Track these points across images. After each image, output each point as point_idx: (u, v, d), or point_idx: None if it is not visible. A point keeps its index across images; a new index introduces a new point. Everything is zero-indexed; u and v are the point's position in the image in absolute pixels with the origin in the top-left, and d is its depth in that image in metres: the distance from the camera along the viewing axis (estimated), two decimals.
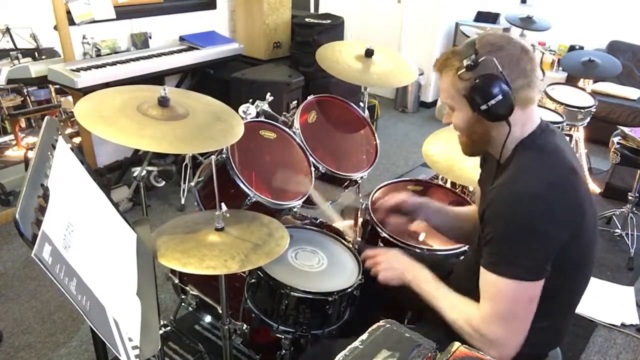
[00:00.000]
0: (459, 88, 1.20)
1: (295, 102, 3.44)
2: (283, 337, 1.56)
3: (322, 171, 2.00)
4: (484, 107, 1.16)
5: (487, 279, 1.17)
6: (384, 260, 1.44)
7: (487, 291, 1.18)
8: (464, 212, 1.66)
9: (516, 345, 1.17)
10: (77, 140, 3.25)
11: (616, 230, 3.09)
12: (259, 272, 1.54)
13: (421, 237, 1.85)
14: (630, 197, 3.05)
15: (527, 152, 1.22)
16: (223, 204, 1.42)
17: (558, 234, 1.12)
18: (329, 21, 3.76)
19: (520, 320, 1.16)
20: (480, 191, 1.47)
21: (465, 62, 1.17)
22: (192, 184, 1.90)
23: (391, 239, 1.79)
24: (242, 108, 1.96)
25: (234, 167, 1.75)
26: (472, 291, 1.31)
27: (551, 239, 1.12)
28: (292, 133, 2.03)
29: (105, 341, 0.88)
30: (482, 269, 1.19)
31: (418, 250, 1.77)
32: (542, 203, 1.12)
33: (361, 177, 2.16)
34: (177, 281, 1.99)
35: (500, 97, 1.15)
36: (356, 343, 0.83)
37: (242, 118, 1.85)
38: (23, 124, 3.34)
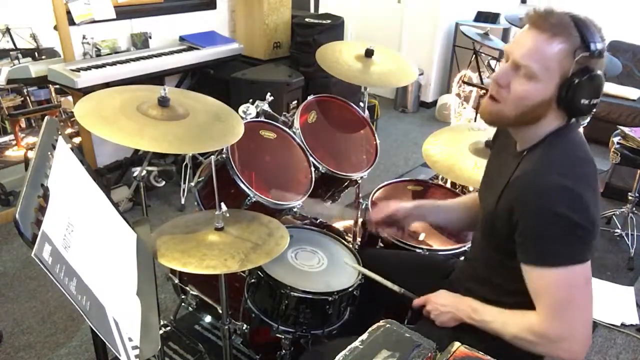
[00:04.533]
0: (565, 66, 1.08)
1: (295, 102, 3.44)
2: (283, 337, 1.56)
3: (322, 171, 2.00)
4: (581, 101, 1.09)
5: (536, 275, 1.12)
6: (433, 307, 1.37)
7: (539, 288, 1.13)
8: (462, 201, 1.64)
9: (584, 337, 1.11)
10: (77, 140, 3.25)
11: (616, 230, 3.09)
12: (259, 272, 1.54)
13: (421, 237, 1.85)
14: (630, 197, 3.05)
15: (557, 144, 1.17)
16: (223, 204, 1.42)
17: (589, 225, 1.09)
18: (329, 21, 3.76)
19: (580, 307, 1.11)
20: (485, 171, 1.42)
21: (593, 47, 1.07)
22: (192, 184, 1.90)
23: (391, 240, 1.80)
24: (242, 108, 1.96)
25: (234, 167, 1.75)
26: (473, 291, 1.31)
27: (584, 226, 1.09)
28: (292, 133, 2.03)
29: (105, 341, 0.88)
30: (526, 267, 1.14)
31: (418, 250, 1.77)
32: (574, 195, 1.08)
33: (361, 177, 2.15)
34: (177, 281, 1.99)
35: (598, 99, 1.11)
36: (356, 343, 0.83)
37: (242, 118, 1.85)
38: (23, 124, 3.35)
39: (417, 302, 1.42)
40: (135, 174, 1.72)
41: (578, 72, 1.08)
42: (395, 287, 1.49)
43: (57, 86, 3.05)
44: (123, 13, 3.24)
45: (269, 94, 2.10)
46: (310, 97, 2.22)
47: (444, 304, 1.35)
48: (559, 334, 1.11)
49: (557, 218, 1.08)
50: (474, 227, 1.60)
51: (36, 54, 3.09)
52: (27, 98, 3.24)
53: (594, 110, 1.12)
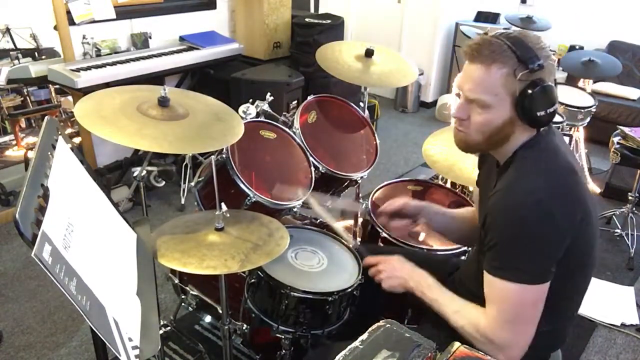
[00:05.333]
0: (510, 87, 1.13)
1: (295, 102, 3.44)
2: (283, 337, 1.56)
3: (322, 171, 2.00)
4: (538, 114, 1.12)
5: (492, 284, 1.17)
6: (386, 268, 1.42)
7: (492, 295, 1.18)
8: (463, 214, 1.65)
9: (523, 348, 1.16)
10: (77, 140, 3.25)
11: (616, 230, 3.09)
12: (259, 272, 1.54)
13: (421, 237, 1.85)
14: (630, 197, 3.05)
15: (527, 154, 1.20)
16: (223, 204, 1.42)
17: (560, 238, 1.12)
18: (329, 21, 3.76)
19: (526, 323, 1.16)
20: (479, 192, 1.46)
21: (530, 65, 1.11)
22: (192, 184, 1.90)
23: (391, 239, 1.80)
24: (242, 108, 1.96)
25: (234, 167, 1.75)
26: (475, 293, 1.31)
27: (553, 243, 1.12)
28: (292, 133, 2.03)
29: (105, 341, 0.88)
30: (486, 274, 1.18)
31: (418, 250, 1.77)
32: (543, 208, 1.11)
33: (361, 177, 2.16)
34: (177, 281, 1.99)
35: (556, 106, 1.14)
36: (356, 343, 0.83)
37: (242, 118, 1.85)
38: (23, 124, 3.34)
39: (370, 259, 1.45)
40: (135, 174, 1.72)
41: (525, 88, 1.12)
42: (350, 240, 1.51)
43: (57, 86, 3.05)
44: (123, 13, 3.24)
45: (269, 94, 2.10)
46: (310, 97, 2.22)
47: (398, 268, 1.39)
48: (503, 342, 1.16)
49: (522, 234, 1.12)
50: (469, 243, 1.63)
51: (36, 54, 3.09)
52: (27, 98, 3.24)
53: (554, 117, 1.16)
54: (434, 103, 5.18)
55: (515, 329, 1.16)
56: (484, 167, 1.45)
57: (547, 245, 1.12)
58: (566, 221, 1.12)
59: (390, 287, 1.39)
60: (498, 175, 1.25)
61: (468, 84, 1.17)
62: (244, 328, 1.72)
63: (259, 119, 2.00)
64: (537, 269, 1.13)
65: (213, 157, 1.74)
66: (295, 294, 1.49)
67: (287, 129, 2.03)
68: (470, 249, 1.75)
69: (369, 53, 2.28)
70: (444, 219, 1.63)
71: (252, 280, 1.59)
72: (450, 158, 2.11)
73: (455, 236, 1.68)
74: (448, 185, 2.36)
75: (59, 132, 1.12)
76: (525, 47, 1.12)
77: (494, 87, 1.13)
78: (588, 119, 3.23)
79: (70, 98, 3.21)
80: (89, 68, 2.82)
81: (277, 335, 1.56)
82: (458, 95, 1.22)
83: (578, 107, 3.17)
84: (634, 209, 3.08)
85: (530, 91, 1.12)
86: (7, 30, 3.01)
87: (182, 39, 3.54)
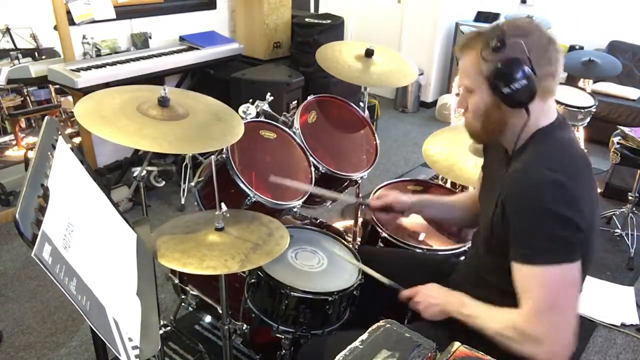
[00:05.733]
0: (481, 69, 1.16)
1: (295, 102, 3.44)
2: (283, 337, 1.56)
3: (322, 171, 2.00)
4: (506, 90, 1.13)
5: (523, 273, 1.13)
6: (423, 299, 1.37)
7: (524, 286, 1.13)
8: (462, 199, 1.64)
9: (565, 341, 1.11)
10: (77, 140, 3.25)
11: (616, 230, 3.08)
12: (259, 272, 1.54)
13: (421, 237, 1.85)
14: (630, 197, 3.05)
15: (545, 141, 1.19)
16: (223, 204, 1.42)
17: (580, 220, 1.09)
18: (329, 21, 3.76)
19: (564, 311, 1.11)
20: (483, 176, 1.44)
21: (492, 43, 1.13)
22: (192, 184, 1.90)
23: (391, 239, 1.80)
24: (242, 108, 1.96)
25: (234, 167, 1.75)
26: (473, 293, 1.31)
27: (576, 224, 1.09)
28: (292, 133, 2.03)
29: (105, 341, 0.88)
30: (516, 266, 1.14)
31: (418, 250, 1.77)
32: (564, 190, 1.09)
33: (361, 177, 2.16)
34: (177, 281, 1.99)
35: (524, 82, 1.12)
36: (356, 343, 0.83)
37: (242, 118, 1.85)
38: (23, 124, 3.34)
39: (405, 293, 1.41)
40: (135, 174, 1.72)
41: (493, 68, 1.15)
42: (385, 279, 1.48)
43: (57, 86, 3.05)
44: (123, 13, 3.24)
45: (269, 94, 2.10)
46: (310, 97, 2.22)
47: (434, 296, 1.35)
48: (541, 335, 1.11)
49: (546, 214, 1.09)
50: (473, 225, 1.60)
51: (36, 54, 3.09)
52: (27, 98, 3.24)
53: (532, 93, 1.14)
54: (434, 103, 5.18)
55: (553, 319, 1.10)
56: (489, 153, 1.43)
57: (570, 223, 1.09)
58: (583, 207, 1.10)
59: (431, 316, 1.34)
60: (510, 160, 1.23)
61: (459, 75, 1.26)
62: (244, 328, 1.72)
63: (259, 119, 2.00)
64: (565, 247, 1.09)
65: (213, 157, 1.74)
66: (295, 294, 1.49)
67: (287, 129, 2.03)
68: (469, 249, 1.75)
69: (369, 53, 2.28)
70: (442, 209, 1.63)
71: (252, 280, 1.59)
72: (450, 158, 2.11)
73: (456, 221, 1.70)
74: (448, 185, 2.36)
75: (59, 132, 1.12)
76: (494, 30, 1.15)
77: (469, 71, 1.20)
78: (588, 119, 3.23)
79: (70, 98, 3.21)
80: (89, 68, 2.82)
81: (277, 335, 1.56)
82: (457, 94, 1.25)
83: (578, 107, 3.16)
84: (634, 209, 3.08)
85: (496, 69, 1.14)
86: (7, 30, 3.01)
87: (182, 39, 3.54)
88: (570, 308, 1.12)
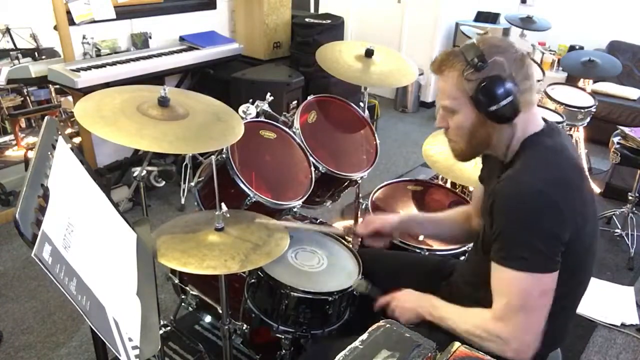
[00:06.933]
0: (464, 89, 1.18)
1: (295, 102, 3.44)
2: (283, 337, 1.56)
3: (322, 171, 2.00)
4: (493, 108, 1.16)
5: (498, 274, 1.17)
6: (397, 304, 1.40)
7: (498, 285, 1.18)
8: (451, 215, 1.64)
9: (530, 343, 1.15)
10: (77, 140, 3.25)
11: (616, 230, 3.08)
12: (259, 272, 1.54)
13: (421, 237, 1.85)
14: (630, 197, 3.05)
15: (534, 149, 1.21)
16: (223, 204, 1.42)
17: (562, 231, 1.12)
18: (329, 21, 3.76)
19: (532, 314, 1.15)
20: (483, 187, 1.46)
21: (473, 63, 1.15)
22: (192, 184, 1.90)
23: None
24: (242, 108, 1.96)
25: (234, 167, 1.75)
26: (474, 298, 1.31)
27: (556, 235, 1.12)
28: (292, 133, 2.03)
29: (105, 341, 0.88)
30: (492, 264, 1.18)
31: (418, 251, 1.77)
32: (546, 199, 1.12)
33: (361, 177, 2.16)
34: (177, 281, 1.99)
35: (510, 98, 1.15)
36: (356, 343, 0.83)
37: (242, 118, 1.85)
38: (23, 124, 3.35)
39: (381, 301, 1.45)
40: (135, 174, 1.72)
41: (476, 87, 1.17)
42: (362, 284, 1.52)
43: (57, 86, 3.05)
44: (123, 13, 3.24)
45: (269, 94, 2.10)
46: (310, 97, 2.22)
47: (407, 300, 1.39)
48: (508, 334, 1.14)
49: (527, 224, 1.13)
50: (464, 241, 1.65)
51: (36, 54, 3.09)
52: (27, 98, 3.24)
53: (517, 108, 1.17)
54: (434, 103, 5.18)
55: (521, 321, 1.14)
56: (487, 163, 1.45)
57: (548, 236, 1.12)
58: (566, 216, 1.13)
59: (406, 321, 1.36)
60: (503, 170, 1.26)
61: (438, 95, 1.27)
62: (244, 328, 1.72)
63: (259, 119, 2.00)
64: (541, 258, 1.12)
65: (213, 157, 1.74)
66: (295, 294, 1.49)
67: (287, 129, 2.03)
68: (469, 248, 1.75)
69: (369, 53, 2.28)
70: (430, 226, 1.65)
71: (252, 280, 1.59)
72: (450, 158, 2.09)
73: (447, 237, 1.70)
74: (448, 185, 2.36)
75: (59, 132, 1.12)
76: (473, 49, 1.17)
77: (452, 91, 1.21)
78: (588, 119, 3.23)
79: (70, 98, 3.21)
80: (89, 68, 2.82)
81: (277, 335, 1.56)
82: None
83: (578, 107, 3.17)
84: (634, 209, 3.08)
85: (480, 87, 1.16)
86: (7, 30, 3.01)
87: (182, 39, 3.53)
88: (537, 312, 1.15)
